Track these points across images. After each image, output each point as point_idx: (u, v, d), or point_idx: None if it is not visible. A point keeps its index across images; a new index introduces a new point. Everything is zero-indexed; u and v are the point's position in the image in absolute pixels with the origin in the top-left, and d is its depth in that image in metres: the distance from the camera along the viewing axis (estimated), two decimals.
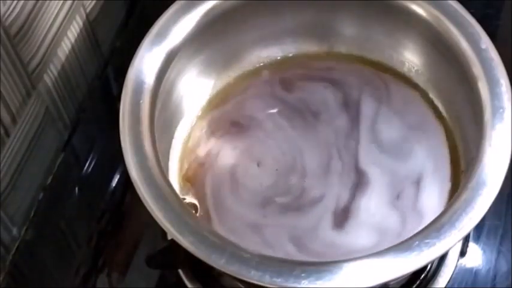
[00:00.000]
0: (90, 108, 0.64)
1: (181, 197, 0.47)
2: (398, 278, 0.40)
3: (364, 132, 0.53)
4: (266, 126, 0.54)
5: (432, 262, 0.50)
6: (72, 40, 0.60)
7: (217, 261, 0.40)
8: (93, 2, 0.62)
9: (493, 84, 0.46)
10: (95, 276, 0.55)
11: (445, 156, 0.51)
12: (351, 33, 0.56)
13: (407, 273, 0.41)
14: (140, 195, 0.43)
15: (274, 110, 0.55)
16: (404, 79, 0.55)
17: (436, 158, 0.51)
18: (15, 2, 0.50)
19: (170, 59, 0.49)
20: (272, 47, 0.57)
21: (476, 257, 0.54)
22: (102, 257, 0.56)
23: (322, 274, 0.39)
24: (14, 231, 0.55)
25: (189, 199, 0.51)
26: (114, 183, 0.59)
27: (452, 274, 0.52)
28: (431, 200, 0.49)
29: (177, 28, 0.50)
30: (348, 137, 0.53)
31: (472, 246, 0.55)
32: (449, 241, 0.41)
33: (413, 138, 0.52)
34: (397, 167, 0.51)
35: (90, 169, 0.61)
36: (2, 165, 0.52)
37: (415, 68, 0.55)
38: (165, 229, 0.42)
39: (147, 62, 0.48)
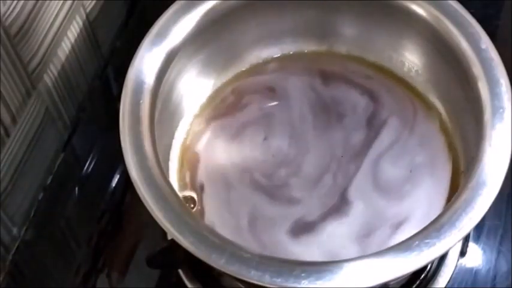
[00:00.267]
0: (90, 108, 0.64)
1: (179, 192, 0.48)
2: (398, 278, 0.40)
3: (370, 159, 0.51)
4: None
5: (432, 262, 0.50)
6: (72, 40, 0.60)
7: (217, 261, 0.40)
8: (93, 2, 0.62)
9: (493, 84, 0.46)
10: (95, 276, 0.55)
11: (445, 156, 0.51)
12: (350, 33, 0.56)
13: (407, 273, 0.41)
14: (140, 195, 0.43)
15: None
16: (405, 81, 0.55)
17: (436, 158, 0.51)
18: (15, 2, 0.50)
19: (170, 59, 0.49)
20: (272, 47, 0.57)
21: (476, 257, 0.54)
22: (102, 257, 0.56)
23: (322, 274, 0.39)
24: (14, 231, 0.55)
25: (187, 193, 0.51)
26: (114, 183, 0.59)
27: (452, 274, 0.52)
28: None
29: (177, 28, 0.50)
30: (354, 158, 0.51)
31: (472, 246, 0.55)
32: (449, 241, 0.41)
33: (417, 177, 0.50)
34: (384, 208, 0.49)
35: (90, 169, 0.61)
36: (2, 165, 0.52)
37: (415, 69, 0.55)
38: (165, 229, 0.42)
39: (147, 62, 0.48)
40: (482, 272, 0.54)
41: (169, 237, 0.49)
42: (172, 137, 0.53)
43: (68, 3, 0.57)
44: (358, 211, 0.49)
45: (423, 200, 0.49)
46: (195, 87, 0.54)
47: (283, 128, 0.54)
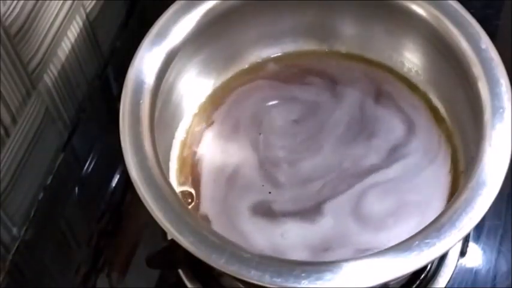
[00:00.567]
0: (90, 108, 0.64)
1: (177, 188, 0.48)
2: (398, 278, 0.40)
3: (364, 184, 0.50)
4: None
5: (432, 262, 0.50)
6: (72, 40, 0.60)
7: (217, 261, 0.40)
8: (93, 2, 0.62)
9: (493, 84, 0.46)
10: (95, 276, 0.55)
11: (445, 156, 0.51)
12: (350, 34, 0.56)
13: (407, 273, 0.41)
14: (140, 195, 0.43)
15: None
16: (406, 81, 0.55)
17: (436, 158, 0.51)
18: (15, 2, 0.50)
19: (170, 59, 0.49)
20: (272, 46, 0.57)
21: (476, 257, 0.54)
22: (102, 257, 0.56)
23: (322, 274, 0.39)
24: (14, 231, 0.55)
25: (186, 188, 0.51)
26: (114, 183, 0.59)
27: (452, 274, 0.52)
28: None
29: (177, 28, 0.50)
30: (351, 177, 0.51)
31: (472, 246, 0.55)
32: (449, 241, 0.41)
33: (403, 214, 0.49)
34: (355, 234, 0.48)
35: (90, 169, 0.61)
36: (2, 165, 0.52)
37: (415, 69, 0.55)
38: (165, 229, 0.42)
39: (147, 62, 0.48)
40: (482, 272, 0.54)
41: (169, 237, 0.49)
42: (172, 137, 0.53)
43: (68, 3, 0.57)
44: (326, 225, 0.49)
45: (403, 236, 0.43)
46: (195, 87, 0.54)
47: (283, 128, 0.54)
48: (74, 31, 0.60)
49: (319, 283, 0.39)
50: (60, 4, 0.56)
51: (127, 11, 0.69)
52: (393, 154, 0.52)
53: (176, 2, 0.51)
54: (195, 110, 0.55)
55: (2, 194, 0.53)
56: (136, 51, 0.49)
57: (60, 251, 0.57)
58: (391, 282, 0.40)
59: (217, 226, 0.49)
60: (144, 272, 0.54)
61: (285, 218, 0.49)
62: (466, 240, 0.54)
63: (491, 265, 0.54)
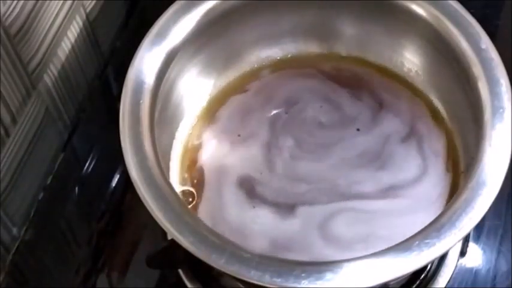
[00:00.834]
0: (90, 108, 0.64)
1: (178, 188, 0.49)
2: (398, 278, 0.40)
3: (346, 205, 0.49)
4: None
5: (432, 262, 0.50)
6: (72, 40, 0.60)
7: (217, 261, 0.40)
8: (93, 2, 0.62)
9: (493, 84, 0.46)
10: (95, 276, 0.55)
11: (445, 156, 0.51)
12: (350, 34, 0.56)
13: (407, 273, 0.41)
14: (140, 195, 0.43)
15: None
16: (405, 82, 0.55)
17: (436, 158, 0.51)
18: (15, 2, 0.50)
19: (170, 59, 0.49)
20: (272, 47, 0.57)
21: (476, 257, 0.54)
22: (102, 257, 0.56)
23: (322, 274, 0.39)
24: (14, 231, 0.55)
25: (187, 187, 0.51)
26: (114, 183, 0.59)
27: (452, 274, 0.52)
28: None
29: (177, 28, 0.50)
30: (338, 194, 0.50)
31: (472, 246, 0.55)
32: (449, 241, 0.41)
33: (374, 243, 0.47)
34: (317, 247, 0.48)
35: (90, 169, 0.61)
36: (2, 165, 0.52)
37: (415, 69, 0.55)
38: (165, 229, 0.42)
39: (147, 62, 0.48)
40: (482, 272, 0.54)
41: (169, 237, 0.49)
42: (172, 137, 0.53)
43: (68, 3, 0.57)
44: (293, 227, 0.49)
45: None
46: (195, 87, 0.54)
47: (283, 128, 0.54)
48: (74, 31, 0.60)
49: (319, 283, 0.39)
50: (60, 4, 0.56)
51: (127, 11, 0.69)
52: (389, 191, 0.50)
53: (176, 2, 0.51)
54: (195, 109, 0.55)
55: (2, 194, 0.53)
56: (136, 51, 0.49)
57: (60, 251, 0.57)
58: (391, 282, 0.40)
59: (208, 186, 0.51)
60: (144, 272, 0.54)
61: (262, 203, 0.50)
62: (466, 240, 0.54)
63: (491, 265, 0.54)
